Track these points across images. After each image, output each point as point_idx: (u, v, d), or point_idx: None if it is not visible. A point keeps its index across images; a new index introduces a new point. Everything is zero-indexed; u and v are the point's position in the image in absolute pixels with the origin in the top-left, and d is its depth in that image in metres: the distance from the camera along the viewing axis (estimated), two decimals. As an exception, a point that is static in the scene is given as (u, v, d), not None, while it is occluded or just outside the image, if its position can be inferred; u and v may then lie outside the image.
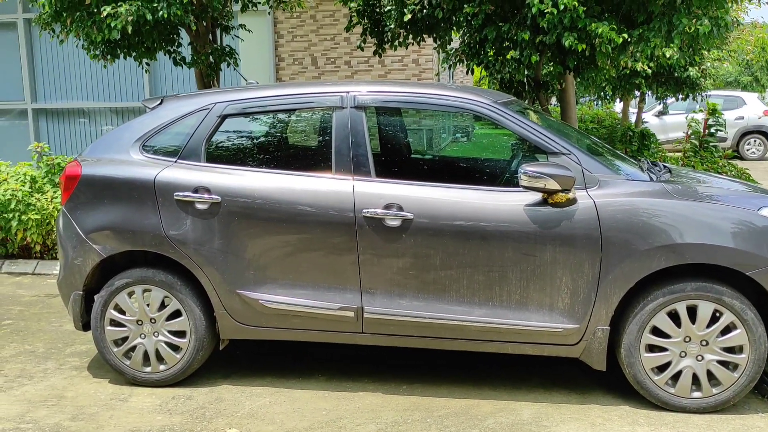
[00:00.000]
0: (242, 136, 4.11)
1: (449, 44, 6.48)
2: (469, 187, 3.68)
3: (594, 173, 3.58)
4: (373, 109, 4.03)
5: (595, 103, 15.27)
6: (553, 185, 3.44)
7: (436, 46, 6.69)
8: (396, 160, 4.42)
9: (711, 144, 7.64)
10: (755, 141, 16.74)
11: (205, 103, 3.98)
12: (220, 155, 3.97)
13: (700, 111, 8.09)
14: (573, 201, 3.51)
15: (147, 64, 6.79)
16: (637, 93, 9.67)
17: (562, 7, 4.46)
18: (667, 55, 7.81)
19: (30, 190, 6.69)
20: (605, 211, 3.48)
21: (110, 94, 11.49)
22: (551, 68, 5.26)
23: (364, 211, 3.64)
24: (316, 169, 3.84)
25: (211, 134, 3.93)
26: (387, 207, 3.62)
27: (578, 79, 5.45)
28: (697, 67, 8.53)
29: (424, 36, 6.08)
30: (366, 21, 6.68)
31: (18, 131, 11.83)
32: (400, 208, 3.61)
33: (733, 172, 6.89)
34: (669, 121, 16.38)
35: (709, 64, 8.48)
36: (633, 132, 7.84)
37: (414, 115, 4.59)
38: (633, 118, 15.42)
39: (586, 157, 3.63)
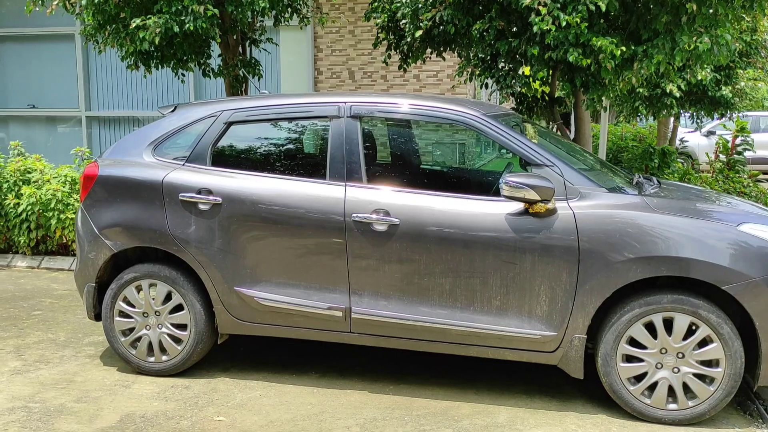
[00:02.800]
0: (245, 142, 4.34)
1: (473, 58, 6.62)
2: (454, 195, 3.82)
3: (575, 185, 3.67)
4: (368, 119, 4.20)
5: (639, 121, 15.10)
6: (532, 195, 3.55)
7: (461, 60, 6.84)
8: (388, 168, 4.59)
9: (739, 163, 7.55)
10: (807, 163, 16.24)
11: (213, 111, 4.23)
12: (224, 159, 4.20)
13: (728, 130, 7.99)
14: (553, 211, 3.61)
15: (183, 74, 7.14)
16: (673, 112, 9.58)
17: (564, 23, 4.57)
18: (698, 77, 7.80)
19: (69, 191, 7.11)
20: (584, 222, 3.57)
21: (158, 103, 12.00)
22: (561, 85, 5.35)
23: (353, 215, 3.82)
24: (312, 175, 4.04)
25: (217, 140, 4.18)
26: (375, 212, 3.79)
27: (588, 97, 5.51)
28: (731, 87, 8.44)
29: (443, 50, 6.25)
30: (391, 36, 6.89)
31: (73, 137, 12.46)
32: (387, 214, 3.78)
33: (754, 193, 6.81)
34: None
35: (743, 84, 8.37)
36: (654, 149, 7.81)
37: (416, 126, 4.76)
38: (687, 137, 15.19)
39: (568, 169, 3.72)
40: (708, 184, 6.93)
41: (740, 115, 9.18)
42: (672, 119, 10.65)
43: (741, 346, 3.47)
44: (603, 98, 5.42)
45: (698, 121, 9.15)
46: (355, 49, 11.20)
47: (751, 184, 7.05)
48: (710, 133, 16.51)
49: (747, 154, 7.90)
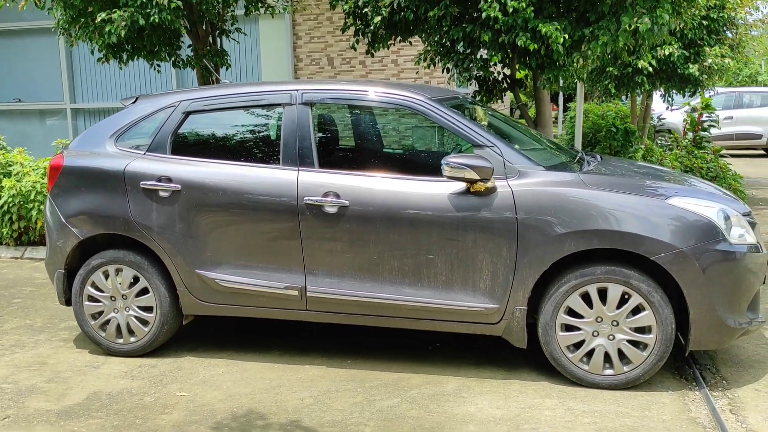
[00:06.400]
0: (203, 131, 4.50)
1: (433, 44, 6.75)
2: (401, 176, 3.99)
3: (514, 164, 3.84)
4: (319, 106, 4.36)
5: (622, 99, 15.23)
6: (472, 175, 3.72)
7: (425, 46, 6.98)
8: (340, 152, 4.77)
9: (704, 140, 7.69)
10: (792, 138, 16.41)
11: (172, 101, 4.40)
12: (183, 148, 4.36)
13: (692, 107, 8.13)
14: (493, 190, 3.79)
15: (158, 65, 7.28)
16: (644, 90, 9.70)
17: (511, 10, 4.71)
18: (667, 53, 7.93)
19: (49, 182, 7.26)
20: (521, 200, 3.74)
21: (142, 93, 12.11)
22: (519, 67, 5.50)
23: (305, 198, 3.99)
24: (267, 161, 4.22)
25: (176, 129, 4.34)
26: (325, 195, 3.96)
27: (544, 77, 5.65)
28: (699, 64, 8.58)
29: (406, 36, 6.38)
30: (358, 22, 7.02)
31: (60, 130, 12.60)
32: (337, 196, 3.95)
33: (713, 169, 6.96)
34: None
35: (710, 61, 8.50)
36: (617, 129, 7.96)
37: (367, 111, 4.90)
38: (677, 115, 15.30)
39: (508, 149, 3.89)
40: (669, 162, 7.09)
41: (713, 92, 9.31)
42: (645, 97, 10.77)
43: (671, 313, 3.66)
44: (559, 78, 5.57)
45: (669, 99, 9.29)
46: (333, 36, 11.31)
47: (712, 160, 7.21)
48: (694, 110, 16.70)
49: (713, 131, 8.04)
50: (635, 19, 4.55)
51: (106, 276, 4.36)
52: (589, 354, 3.79)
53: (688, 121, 8.02)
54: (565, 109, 22.07)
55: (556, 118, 24.49)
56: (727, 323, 3.66)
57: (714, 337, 3.70)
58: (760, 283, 3.85)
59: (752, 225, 3.92)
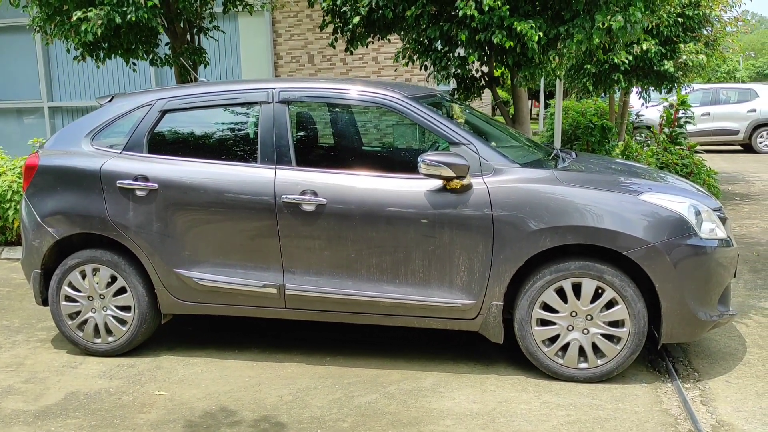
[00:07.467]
0: (180, 130, 4.50)
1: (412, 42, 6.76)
2: (378, 174, 4.02)
3: (490, 161, 3.88)
4: (296, 104, 4.37)
5: (601, 96, 15.36)
6: (448, 172, 3.76)
7: (404, 44, 7.00)
8: (317, 150, 4.78)
9: (680, 135, 7.79)
10: (768, 134, 16.64)
11: (148, 100, 4.39)
12: (160, 147, 4.35)
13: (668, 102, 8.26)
14: (468, 187, 3.82)
15: (134, 63, 7.25)
16: (621, 87, 9.80)
17: (487, 8, 4.76)
18: (644, 48, 8.02)
19: (26, 182, 7.20)
20: (497, 196, 3.79)
21: (121, 91, 12.02)
22: (495, 65, 5.56)
23: (283, 196, 4.00)
24: (244, 159, 4.22)
25: (153, 128, 4.33)
26: (303, 193, 3.98)
27: (521, 75, 5.70)
28: (674, 61, 8.68)
29: (385, 35, 6.39)
30: (337, 20, 7.02)
31: (38, 128, 12.48)
32: (315, 194, 3.97)
33: (688, 164, 7.06)
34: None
35: (685, 57, 8.61)
36: (594, 125, 8.05)
37: (344, 109, 4.90)
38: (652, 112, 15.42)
39: (483, 147, 3.93)
40: (645, 158, 7.17)
41: (689, 88, 9.41)
42: (623, 94, 10.89)
43: (644, 306, 3.72)
44: (536, 76, 5.62)
45: (646, 95, 9.41)
46: (313, 33, 11.31)
47: (687, 156, 7.31)
48: (670, 106, 16.87)
49: (690, 127, 8.14)
50: (609, 17, 4.61)
51: (83, 276, 4.35)
52: (564, 348, 3.84)
53: (664, 118, 8.13)
54: (546, 105, 22.22)
55: (537, 115, 24.67)
56: (698, 316, 3.73)
57: (686, 330, 3.77)
58: (730, 277, 3.92)
59: (723, 220, 3.99)
